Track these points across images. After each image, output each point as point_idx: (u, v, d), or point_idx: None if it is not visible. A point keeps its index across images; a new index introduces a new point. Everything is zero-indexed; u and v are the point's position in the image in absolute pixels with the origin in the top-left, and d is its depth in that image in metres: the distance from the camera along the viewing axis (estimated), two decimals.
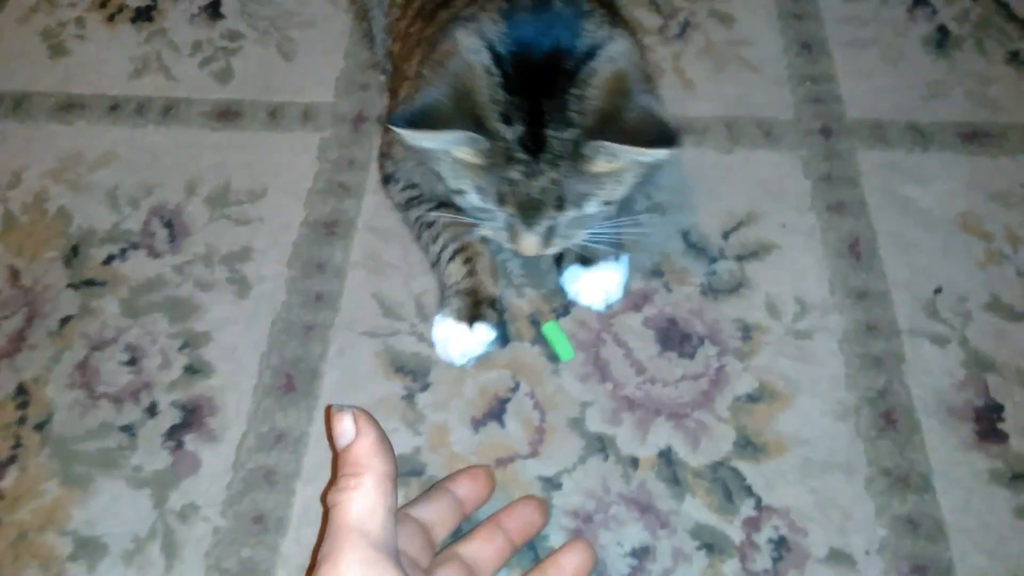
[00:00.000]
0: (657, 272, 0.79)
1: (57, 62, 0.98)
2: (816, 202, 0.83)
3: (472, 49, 0.63)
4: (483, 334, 0.73)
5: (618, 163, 0.63)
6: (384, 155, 0.83)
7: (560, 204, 0.65)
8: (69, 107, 0.94)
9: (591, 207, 0.66)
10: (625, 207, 0.81)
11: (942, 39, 0.96)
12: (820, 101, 0.91)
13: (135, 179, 0.88)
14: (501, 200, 0.65)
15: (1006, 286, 0.78)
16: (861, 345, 0.74)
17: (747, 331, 0.76)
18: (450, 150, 0.64)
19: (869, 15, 0.99)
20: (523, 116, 0.62)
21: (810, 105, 0.90)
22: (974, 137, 0.88)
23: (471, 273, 0.75)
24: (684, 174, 0.86)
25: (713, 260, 0.80)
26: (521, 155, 0.63)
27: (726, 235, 0.81)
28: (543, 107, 0.62)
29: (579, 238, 0.71)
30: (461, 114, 0.62)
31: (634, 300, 0.78)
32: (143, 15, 1.02)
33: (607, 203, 0.67)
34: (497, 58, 0.63)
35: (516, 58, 0.62)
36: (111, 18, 1.03)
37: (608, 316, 0.77)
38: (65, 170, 0.88)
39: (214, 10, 1.02)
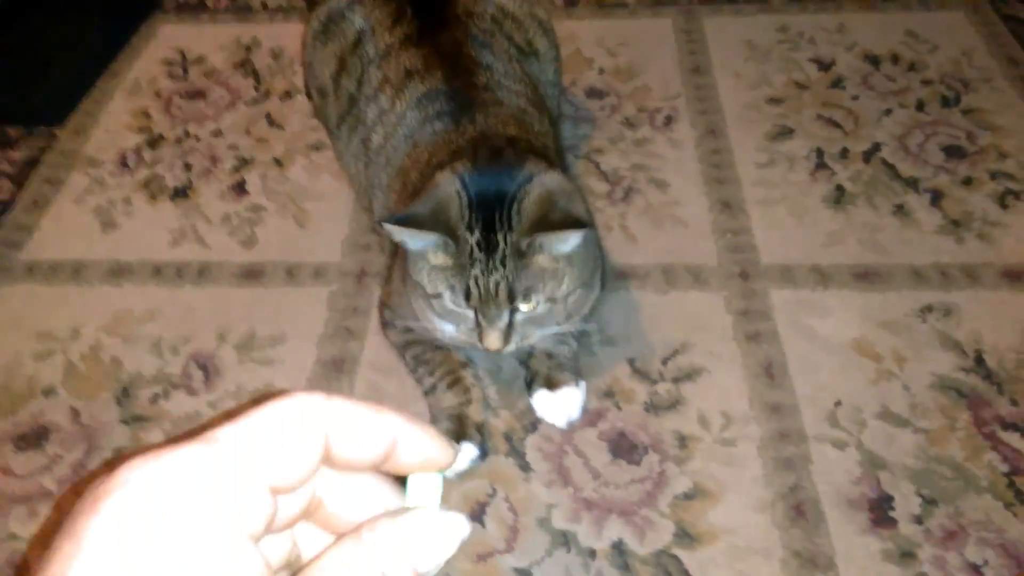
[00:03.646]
0: (609, 393, 0.96)
1: (108, 234, 1.18)
2: (737, 333, 1.01)
3: (448, 182, 0.83)
4: (468, 452, 0.89)
5: (552, 259, 0.81)
6: (383, 304, 1.01)
7: (511, 296, 0.81)
8: (119, 272, 1.13)
9: (537, 301, 0.82)
10: (580, 336, 0.99)
11: (839, 196, 1.18)
12: (739, 250, 1.11)
13: (175, 331, 1.05)
14: (467, 295, 0.82)
15: (894, 399, 0.95)
16: (775, 450, 0.90)
17: (683, 440, 0.92)
18: (427, 255, 0.82)
19: (779, 178, 1.20)
20: (480, 225, 0.81)
21: (730, 253, 1.10)
22: (866, 276, 1.07)
23: (463, 402, 0.92)
24: (629, 312, 1.04)
25: (654, 382, 0.97)
26: (479, 255, 0.80)
27: (664, 361, 0.99)
28: (495, 218, 0.81)
29: (535, 338, 0.87)
30: (437, 222, 0.81)
31: (590, 417, 0.94)
32: (180, 193, 1.23)
33: (551, 299, 0.83)
34: (465, 187, 0.82)
35: (478, 188, 0.82)
36: (153, 197, 1.23)
37: (569, 431, 0.93)
38: (117, 325, 1.06)
39: (240, 188, 1.23)
